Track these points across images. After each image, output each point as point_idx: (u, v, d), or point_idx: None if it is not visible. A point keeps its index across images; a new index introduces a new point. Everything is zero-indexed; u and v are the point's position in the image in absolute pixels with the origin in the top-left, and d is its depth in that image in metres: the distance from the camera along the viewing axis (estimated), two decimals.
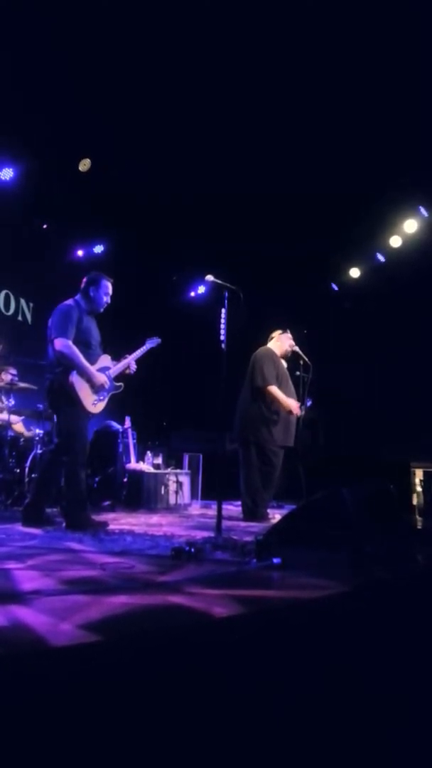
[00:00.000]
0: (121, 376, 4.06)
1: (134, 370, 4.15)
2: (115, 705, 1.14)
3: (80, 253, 7.91)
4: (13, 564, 2.32)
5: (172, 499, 5.81)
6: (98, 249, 7.96)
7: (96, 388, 3.74)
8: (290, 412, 4.68)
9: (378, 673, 1.53)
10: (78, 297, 3.89)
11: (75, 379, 3.64)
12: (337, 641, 1.68)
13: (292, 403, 4.68)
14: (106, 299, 3.95)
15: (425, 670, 1.59)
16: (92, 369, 3.72)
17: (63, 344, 3.63)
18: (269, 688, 1.35)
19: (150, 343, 4.35)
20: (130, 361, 4.11)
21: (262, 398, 4.70)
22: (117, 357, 4.12)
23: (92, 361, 3.77)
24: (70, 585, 2.01)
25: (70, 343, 3.65)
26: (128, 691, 1.19)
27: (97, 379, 3.72)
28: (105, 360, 3.94)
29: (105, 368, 3.90)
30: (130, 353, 4.19)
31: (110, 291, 3.97)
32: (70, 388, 3.62)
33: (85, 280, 3.94)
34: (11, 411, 5.12)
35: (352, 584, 2.11)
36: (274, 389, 4.66)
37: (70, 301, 3.84)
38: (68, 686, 1.17)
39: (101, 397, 3.80)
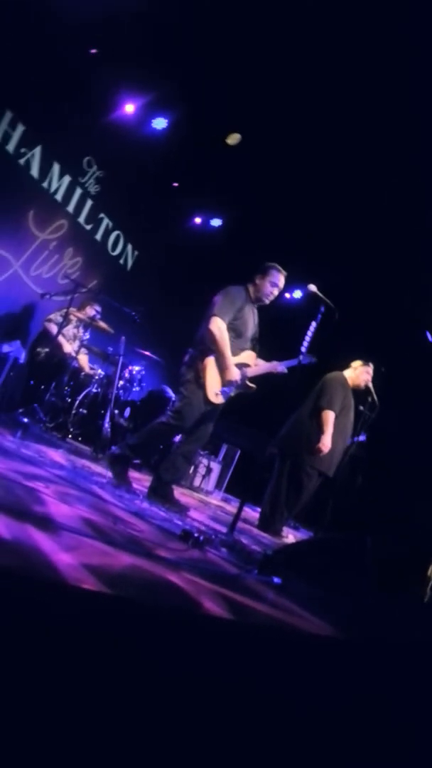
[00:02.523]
0: (259, 379, 3.84)
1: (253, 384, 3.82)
2: (80, 653, 1.17)
3: (198, 220, 7.99)
4: (41, 486, 2.41)
5: (197, 481, 5.85)
6: (216, 222, 8.02)
7: (224, 381, 3.61)
8: (320, 447, 4.49)
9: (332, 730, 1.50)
10: (248, 284, 3.79)
11: (209, 363, 3.54)
12: (310, 683, 1.66)
13: (326, 443, 4.51)
14: (273, 291, 3.78)
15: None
16: (231, 361, 3.59)
17: (216, 325, 3.53)
18: (227, 698, 1.35)
19: (304, 359, 3.99)
20: (275, 368, 3.84)
21: (318, 419, 4.63)
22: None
23: (236, 353, 3.66)
24: (83, 524, 2.07)
25: (224, 326, 3.55)
26: (100, 646, 1.22)
27: (230, 373, 3.58)
28: (248, 357, 3.79)
29: (243, 365, 3.74)
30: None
31: (280, 283, 3.79)
32: (201, 369, 3.54)
33: (258, 268, 3.81)
34: (82, 344, 5.28)
35: (347, 634, 2.07)
36: (330, 417, 4.56)
37: (239, 286, 3.75)
38: (55, 617, 1.20)
39: (227, 391, 3.65)
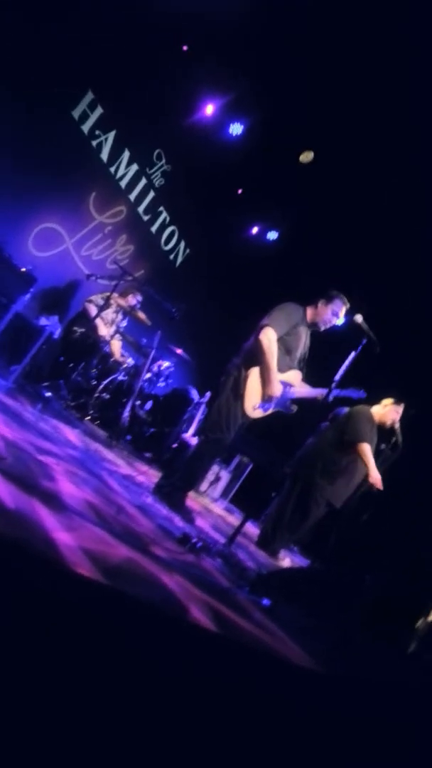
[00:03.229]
0: (304, 403, 3.75)
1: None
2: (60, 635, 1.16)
3: (255, 230, 8.01)
4: (52, 462, 2.42)
5: (203, 486, 5.83)
6: (272, 235, 8.02)
7: (265, 396, 3.47)
8: (373, 482, 4.44)
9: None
10: (308, 306, 3.69)
11: (252, 373, 3.43)
12: (276, 708, 1.63)
13: (376, 476, 4.45)
14: (333, 320, 3.69)
15: None
16: (276, 375, 3.45)
17: (267, 336, 3.40)
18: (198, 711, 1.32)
19: (351, 393, 3.92)
20: (321, 394, 3.68)
21: (342, 450, 4.57)
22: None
23: (282, 370, 3.54)
24: (87, 508, 2.07)
25: (274, 338, 3.42)
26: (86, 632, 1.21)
27: (272, 388, 3.44)
28: (294, 376, 3.66)
29: (287, 384, 3.63)
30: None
31: (341, 314, 3.69)
32: (243, 378, 3.42)
33: (323, 294, 3.72)
34: (118, 330, 5.32)
35: (325, 668, 2.03)
36: (367, 449, 4.50)
37: (298, 305, 3.66)
38: (42, 594, 1.20)
39: (265, 408, 3.53)
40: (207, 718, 1.30)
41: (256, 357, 3.43)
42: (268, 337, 3.40)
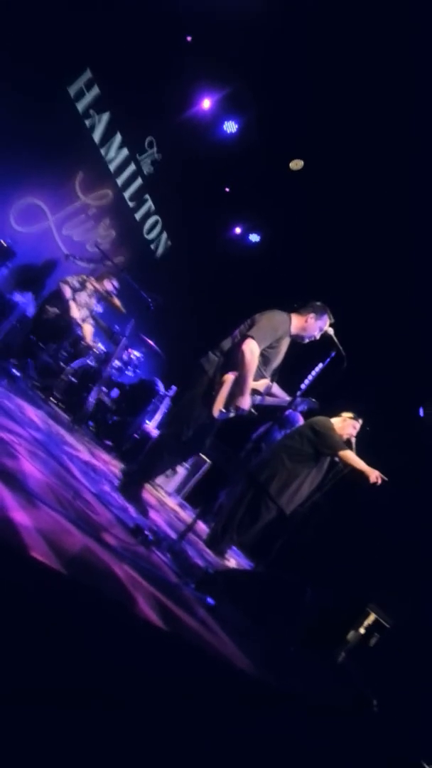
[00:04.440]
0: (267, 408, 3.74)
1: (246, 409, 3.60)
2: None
3: (238, 231, 8.05)
4: (13, 440, 2.40)
5: (159, 478, 5.85)
6: (254, 237, 8.07)
7: (233, 404, 3.43)
8: (371, 478, 4.49)
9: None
10: (293, 315, 3.65)
11: (229, 379, 3.39)
12: (211, 707, 1.67)
13: (374, 474, 4.50)
14: (317, 335, 3.66)
15: None
16: (249, 390, 3.41)
17: (251, 350, 3.35)
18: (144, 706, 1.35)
19: (307, 404, 3.89)
20: (283, 402, 3.73)
21: (299, 460, 4.64)
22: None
23: (255, 379, 3.51)
24: (46, 490, 2.07)
25: (257, 351, 3.38)
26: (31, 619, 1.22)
27: (243, 401, 3.40)
28: (262, 385, 3.64)
29: (256, 392, 3.61)
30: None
31: (325, 329, 3.65)
32: (216, 382, 3.39)
33: (310, 304, 3.68)
34: (91, 315, 5.28)
35: (260, 673, 2.09)
36: (350, 454, 4.59)
37: (285, 314, 3.61)
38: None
39: (224, 414, 3.46)
40: (144, 708, 1.33)
41: (235, 365, 3.41)
42: (251, 350, 3.35)
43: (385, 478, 4.54)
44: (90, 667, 1.26)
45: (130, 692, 1.33)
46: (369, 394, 7.36)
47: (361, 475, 4.57)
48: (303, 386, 3.56)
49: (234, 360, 3.42)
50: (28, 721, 0.97)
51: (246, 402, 3.44)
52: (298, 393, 3.54)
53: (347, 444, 4.89)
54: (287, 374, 4.01)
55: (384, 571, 6.64)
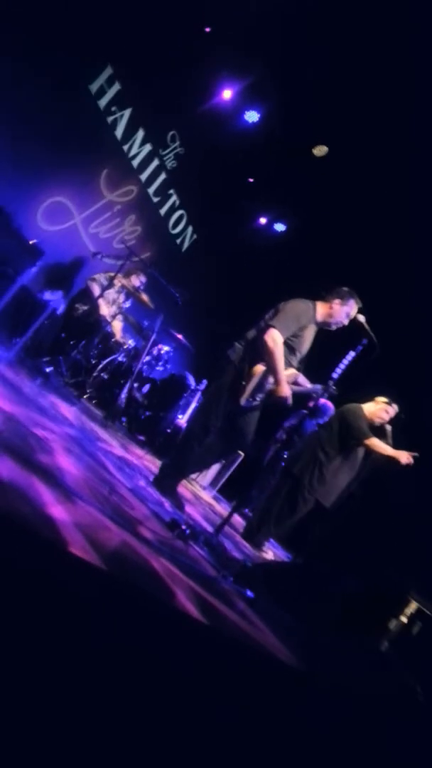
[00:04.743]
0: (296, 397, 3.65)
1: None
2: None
3: (263, 221, 7.98)
4: (49, 437, 2.42)
5: (193, 474, 5.85)
6: (279, 227, 7.99)
7: (265, 390, 3.39)
8: (401, 460, 4.45)
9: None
10: (318, 303, 3.57)
11: (259, 369, 3.34)
12: (251, 697, 1.66)
13: (403, 456, 4.46)
14: (344, 321, 3.58)
15: None
16: (284, 378, 3.36)
17: (274, 339, 3.29)
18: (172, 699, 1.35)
19: (327, 391, 3.66)
20: (315, 391, 3.65)
21: (334, 450, 4.59)
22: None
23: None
24: (82, 486, 2.08)
25: (280, 341, 3.32)
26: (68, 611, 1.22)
27: (282, 389, 3.33)
28: (290, 375, 3.54)
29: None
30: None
31: (352, 315, 3.56)
32: (245, 372, 3.35)
33: (335, 290, 3.60)
34: (120, 311, 5.31)
35: (303, 666, 2.07)
36: (375, 441, 4.53)
37: (308, 302, 3.53)
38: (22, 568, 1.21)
39: (256, 399, 3.43)
40: (187, 703, 1.33)
41: (259, 355, 3.37)
42: (274, 340, 3.30)
43: (416, 454, 4.47)
44: (130, 662, 1.25)
45: (171, 686, 1.32)
46: (400, 380, 7.22)
47: (393, 461, 4.50)
48: (335, 375, 3.50)
49: (258, 350, 3.37)
50: (71, 713, 0.97)
51: (285, 390, 3.38)
52: (330, 382, 3.49)
53: (380, 430, 4.81)
54: (316, 363, 3.96)
55: (423, 560, 6.53)
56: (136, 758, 1.04)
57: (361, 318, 3.52)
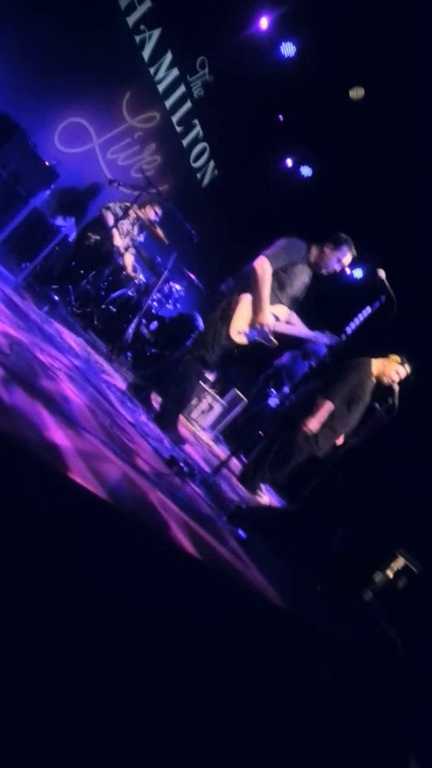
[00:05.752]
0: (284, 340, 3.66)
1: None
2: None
3: (289, 162, 7.68)
4: (54, 365, 2.39)
5: (195, 413, 5.87)
6: (306, 171, 7.70)
7: (254, 322, 3.41)
8: (305, 429, 4.37)
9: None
10: (314, 245, 3.56)
11: (244, 298, 3.38)
12: (239, 636, 1.69)
13: (312, 427, 4.36)
14: (336, 267, 3.57)
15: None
16: (267, 304, 3.38)
17: (263, 266, 3.34)
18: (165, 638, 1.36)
19: (326, 338, 3.64)
20: (316, 339, 3.64)
21: (336, 401, 4.56)
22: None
23: (271, 303, 3.46)
24: (83, 414, 2.07)
25: (269, 270, 3.35)
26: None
27: (263, 316, 3.38)
28: (280, 311, 3.55)
29: (275, 317, 3.54)
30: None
31: (346, 261, 3.57)
32: (233, 302, 3.38)
33: (333, 236, 3.57)
34: (133, 244, 5.18)
35: (289, 607, 2.10)
36: (327, 405, 4.40)
37: (303, 242, 3.54)
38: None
39: (249, 336, 3.44)
40: (175, 634, 1.34)
41: (249, 284, 3.38)
42: (263, 267, 3.34)
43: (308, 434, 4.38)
44: (121, 588, 1.26)
45: (162, 618, 1.33)
46: (416, 341, 7.12)
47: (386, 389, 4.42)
48: (348, 330, 3.44)
49: (248, 280, 3.38)
50: (72, 640, 0.98)
51: (267, 318, 3.40)
52: (343, 337, 3.44)
53: (388, 390, 4.76)
54: (332, 316, 3.88)
55: (417, 518, 6.62)
56: (120, 676, 1.05)
57: (382, 273, 3.42)
